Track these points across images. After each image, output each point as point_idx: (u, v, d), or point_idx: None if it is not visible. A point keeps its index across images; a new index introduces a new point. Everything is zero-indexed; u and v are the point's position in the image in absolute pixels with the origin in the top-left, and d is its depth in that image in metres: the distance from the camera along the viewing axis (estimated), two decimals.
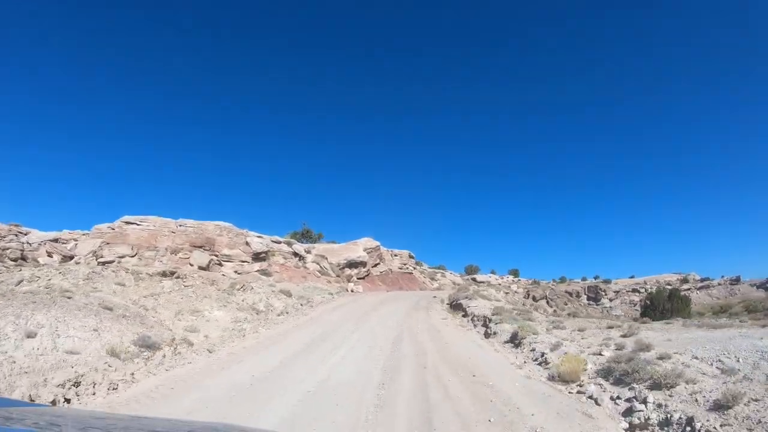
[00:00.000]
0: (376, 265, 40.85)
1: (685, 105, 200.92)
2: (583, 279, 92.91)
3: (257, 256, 33.33)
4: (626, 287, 79.05)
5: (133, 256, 28.93)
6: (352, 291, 32.51)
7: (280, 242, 37.29)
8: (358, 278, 37.72)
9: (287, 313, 19.82)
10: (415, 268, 45.39)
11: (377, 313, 18.99)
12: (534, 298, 36.72)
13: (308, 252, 38.10)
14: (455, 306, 22.12)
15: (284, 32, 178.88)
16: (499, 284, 67.70)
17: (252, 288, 24.31)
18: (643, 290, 77.65)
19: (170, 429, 1.71)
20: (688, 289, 68.27)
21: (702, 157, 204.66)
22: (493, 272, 78.66)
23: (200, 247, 32.02)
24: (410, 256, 44.83)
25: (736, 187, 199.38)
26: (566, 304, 41.19)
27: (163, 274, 23.54)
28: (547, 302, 36.62)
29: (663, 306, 37.08)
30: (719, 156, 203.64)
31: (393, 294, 30.55)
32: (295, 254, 36.69)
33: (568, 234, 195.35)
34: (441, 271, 52.67)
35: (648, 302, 38.91)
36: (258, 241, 34.01)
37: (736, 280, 78.87)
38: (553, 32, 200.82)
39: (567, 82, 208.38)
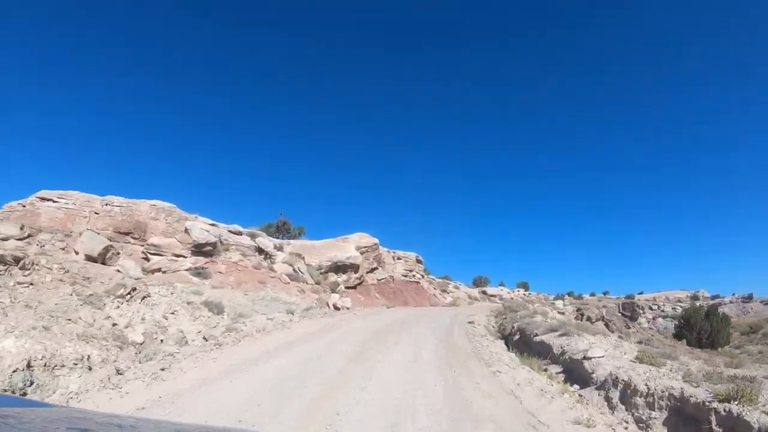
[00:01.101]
0: (372, 270, 30.15)
1: (696, 123, 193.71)
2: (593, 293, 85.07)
3: (199, 250, 22.68)
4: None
5: (22, 239, 18.45)
6: (335, 307, 21.75)
7: (240, 233, 26.68)
8: (347, 287, 27.02)
9: (172, 355, 9.01)
10: (423, 277, 34.82)
11: (372, 370, 8.04)
12: (589, 319, 26.45)
13: (279, 249, 27.43)
14: (521, 342, 11.60)
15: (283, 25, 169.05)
16: (512, 298, 59.91)
17: (149, 296, 13.79)
18: (655, 307, 72.09)
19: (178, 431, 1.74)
20: (691, 307, 62.93)
21: (713, 175, 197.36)
22: (502, 284, 69.85)
23: (127, 233, 21.87)
24: (418, 261, 34.34)
25: (745, 203, 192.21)
26: (628, 327, 31.09)
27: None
28: (606, 325, 26.46)
29: (700, 326, 34.02)
30: (730, 174, 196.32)
31: (397, 314, 19.81)
32: (260, 251, 26.05)
33: (573, 248, 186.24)
34: (453, 282, 41.98)
35: (683, 322, 35.29)
36: (202, 229, 23.29)
37: (749, 298, 76.69)
38: (547, 39, 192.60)
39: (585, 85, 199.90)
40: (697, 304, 74.65)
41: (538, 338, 11.18)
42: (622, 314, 52.86)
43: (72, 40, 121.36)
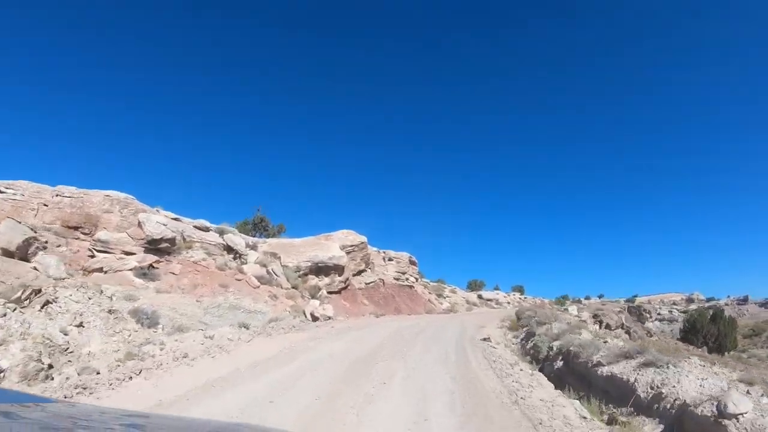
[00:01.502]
0: (360, 273, 26.34)
1: (691, 123, 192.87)
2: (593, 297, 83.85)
3: (154, 246, 18.85)
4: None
5: None
6: (312, 316, 17.95)
7: (208, 229, 22.84)
8: (330, 292, 23.19)
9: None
10: (417, 280, 31.06)
11: None
12: (609, 327, 23.11)
13: (253, 248, 23.56)
14: (569, 373, 7.89)
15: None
16: (509, 302, 55.17)
17: (54, 301, 9.94)
18: (652, 310, 71.17)
19: (185, 427, 1.68)
20: (696, 310, 62.74)
21: (707, 178, 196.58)
22: (497, 288, 67.13)
23: (76, 227, 18.46)
24: (411, 262, 30.56)
25: (739, 205, 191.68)
26: (650, 335, 27.83)
27: None
28: (628, 333, 23.15)
29: (707, 330, 33.22)
30: (725, 177, 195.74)
31: (389, 326, 16.03)
32: (229, 249, 22.18)
33: (566, 251, 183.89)
34: (449, 286, 38.30)
35: (688, 325, 34.62)
36: (158, 223, 19.40)
37: (744, 300, 78.80)
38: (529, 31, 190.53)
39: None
40: (693, 306, 73.74)
41: (603, 370, 7.47)
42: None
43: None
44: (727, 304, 76.11)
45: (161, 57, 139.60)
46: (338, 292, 23.54)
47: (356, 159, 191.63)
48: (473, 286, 62.39)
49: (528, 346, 11.37)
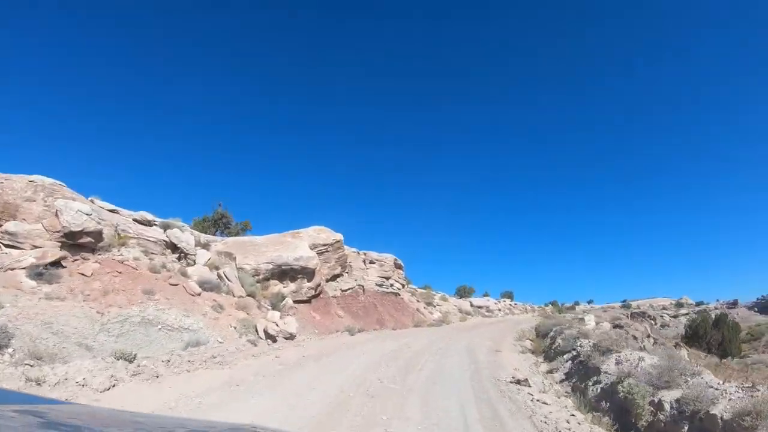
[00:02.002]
0: (335, 278, 22.17)
1: (670, 125, 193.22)
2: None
3: (73, 241, 14.57)
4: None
5: None
6: (267, 334, 13.79)
7: (150, 223, 18.69)
8: (297, 300, 19.01)
9: None
10: (404, 286, 26.92)
11: None
12: (635, 338, 19.33)
13: (205, 246, 19.39)
14: None
15: None
16: (500, 309, 52.19)
17: None
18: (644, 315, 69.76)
19: (195, 429, 1.62)
20: (687, 314, 66.21)
21: (692, 182, 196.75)
22: (486, 295, 63.18)
23: None
24: (397, 266, 26.26)
25: (726, 210, 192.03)
26: (678, 346, 24.14)
27: None
28: (655, 342, 19.46)
29: (710, 335, 32.07)
30: (711, 181, 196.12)
31: (368, 354, 11.96)
32: (174, 247, 17.94)
33: (554, 256, 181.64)
34: (437, 293, 34.28)
35: (690, 331, 33.37)
36: (80, 212, 14.95)
37: (734, 304, 77.79)
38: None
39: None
40: (683, 311, 72.02)
41: None
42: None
43: None
44: (716, 308, 73.24)
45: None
46: (307, 300, 19.36)
47: (339, 155, 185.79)
48: (462, 293, 58.66)
49: (591, 390, 7.25)
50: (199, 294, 14.72)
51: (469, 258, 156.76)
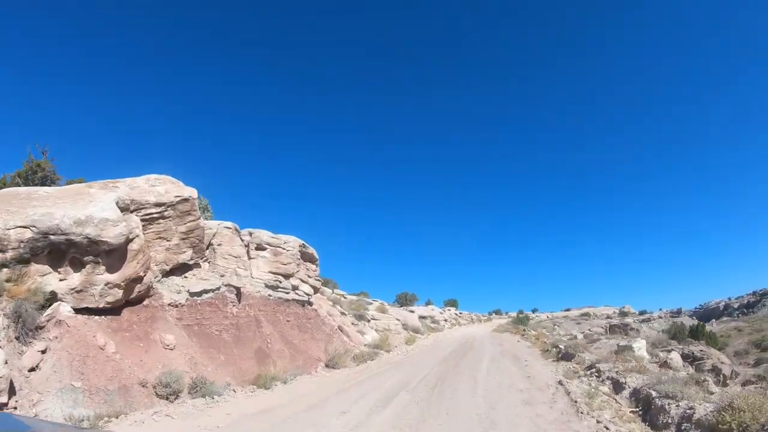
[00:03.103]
0: (180, 270, 11.68)
1: (614, 134, 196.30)
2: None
3: None
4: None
5: None
6: None
7: None
8: (83, 310, 8.37)
9: None
10: (317, 291, 16.37)
11: None
12: (724, 377, 10.81)
13: None
14: None
15: None
16: (446, 320, 46.88)
17: None
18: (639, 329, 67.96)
19: None
20: (646, 321, 64.77)
21: (636, 191, 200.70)
22: (430, 303, 55.58)
23: None
24: (306, 257, 15.51)
25: (669, 219, 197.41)
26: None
27: None
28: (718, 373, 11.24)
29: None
30: (653, 190, 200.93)
31: None
32: None
33: (496, 264, 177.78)
34: (374, 301, 24.26)
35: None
36: None
37: (678, 313, 76.25)
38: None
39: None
40: (628, 319, 68.72)
41: None
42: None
43: None
44: (660, 317, 72.89)
45: None
46: (116, 308, 9.11)
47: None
48: (403, 301, 49.43)
49: None
50: None
51: (406, 264, 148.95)
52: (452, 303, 65.92)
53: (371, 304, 23.03)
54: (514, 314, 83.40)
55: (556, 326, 38.34)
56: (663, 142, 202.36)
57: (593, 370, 10.02)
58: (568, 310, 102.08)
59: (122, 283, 9.78)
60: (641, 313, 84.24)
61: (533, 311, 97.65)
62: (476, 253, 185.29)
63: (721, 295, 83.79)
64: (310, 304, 15.45)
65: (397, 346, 17.27)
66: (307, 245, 15.56)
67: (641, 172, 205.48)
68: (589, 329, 36.91)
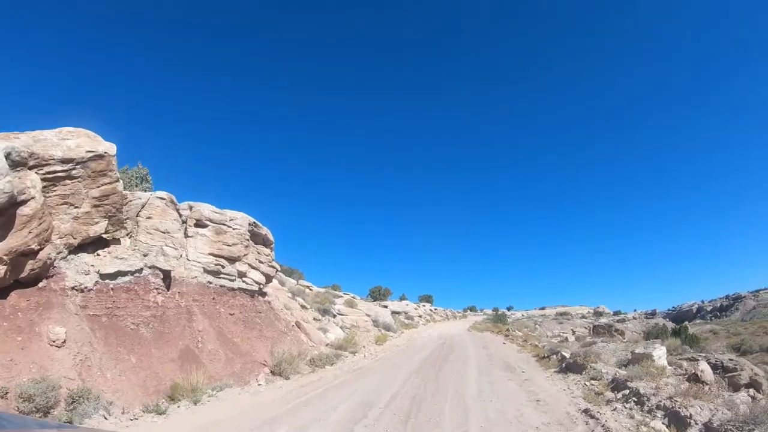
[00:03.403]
0: (91, 245, 9.15)
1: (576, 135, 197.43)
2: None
3: None
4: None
5: None
6: None
7: None
8: None
9: None
10: (270, 279, 13.73)
11: None
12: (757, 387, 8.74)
13: None
14: None
15: None
16: (420, 315, 45.13)
17: None
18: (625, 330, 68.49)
19: None
20: (621, 320, 65.02)
21: (613, 193, 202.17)
22: (404, 298, 52.10)
23: None
24: (258, 239, 12.69)
25: (644, 222, 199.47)
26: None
27: None
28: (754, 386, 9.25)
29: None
30: (627, 193, 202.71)
31: None
32: None
33: (473, 261, 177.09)
34: (345, 295, 21.85)
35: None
36: None
37: (652, 314, 76.75)
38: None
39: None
40: (602, 320, 68.57)
41: None
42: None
43: None
44: (635, 318, 73.74)
45: None
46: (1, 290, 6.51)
47: None
48: (376, 295, 47.27)
49: None
50: None
51: (382, 258, 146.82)
52: (427, 299, 63.77)
53: (340, 297, 20.55)
54: (489, 311, 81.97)
55: (537, 326, 36.45)
56: (640, 145, 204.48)
57: (626, 391, 7.44)
58: (543, 308, 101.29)
59: (5, 257, 7.27)
60: (616, 313, 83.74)
61: (508, 309, 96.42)
62: (452, 249, 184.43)
63: (693, 298, 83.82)
64: (263, 294, 13.02)
65: (365, 347, 14.96)
66: (259, 224, 13.01)
67: (619, 176, 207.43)
68: (573, 329, 35.11)
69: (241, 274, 11.99)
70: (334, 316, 17.13)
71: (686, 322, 69.34)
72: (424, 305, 56.80)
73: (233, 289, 11.72)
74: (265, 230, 13.28)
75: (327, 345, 13.33)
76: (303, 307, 15.49)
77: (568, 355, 10.54)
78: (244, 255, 12.10)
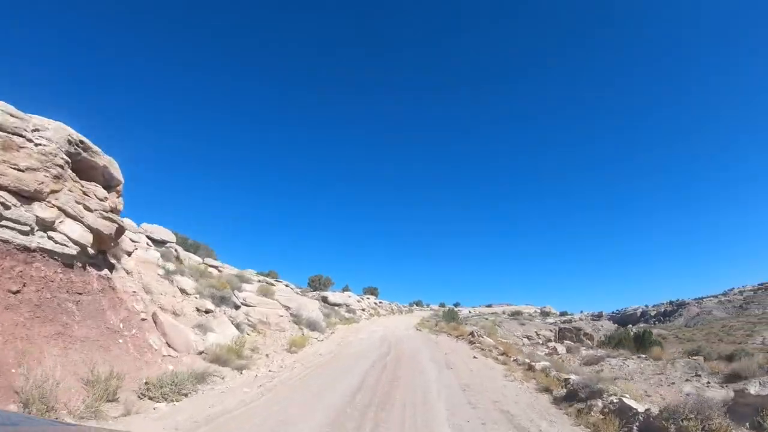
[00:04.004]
0: None
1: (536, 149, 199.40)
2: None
3: None
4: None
5: None
6: None
7: None
8: None
9: None
10: (115, 240, 8.37)
11: None
12: None
13: None
14: None
15: None
16: (363, 309, 41.58)
17: None
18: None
19: None
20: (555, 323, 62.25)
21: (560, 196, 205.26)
22: (347, 289, 48.23)
23: None
24: (85, 171, 7.01)
25: (593, 225, 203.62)
26: None
27: None
28: None
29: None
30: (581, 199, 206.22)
31: None
32: None
33: (420, 256, 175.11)
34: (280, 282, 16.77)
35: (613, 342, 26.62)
36: None
37: (599, 316, 77.56)
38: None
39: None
40: (549, 320, 67.78)
41: None
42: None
43: None
44: (581, 319, 72.77)
45: None
46: None
47: None
48: (316, 285, 42.50)
49: None
50: None
51: (324, 247, 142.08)
52: (372, 291, 59.67)
53: (248, 282, 15.07)
54: (435, 306, 78.73)
55: (497, 326, 32.53)
56: (593, 151, 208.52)
57: None
58: (489, 305, 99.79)
59: None
60: (562, 313, 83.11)
61: (455, 305, 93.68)
62: (399, 244, 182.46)
63: (637, 302, 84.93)
64: (96, 266, 7.72)
65: (268, 356, 9.86)
66: (88, 143, 7.49)
67: (570, 178, 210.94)
68: (536, 332, 31.44)
69: (46, 226, 6.70)
70: (237, 308, 11.91)
71: (630, 326, 69.18)
72: (368, 297, 52.70)
73: (27, 249, 6.45)
74: (104, 159, 7.80)
75: (201, 353, 8.30)
76: (184, 292, 10.30)
77: (615, 399, 5.88)
78: (52, 192, 6.79)
